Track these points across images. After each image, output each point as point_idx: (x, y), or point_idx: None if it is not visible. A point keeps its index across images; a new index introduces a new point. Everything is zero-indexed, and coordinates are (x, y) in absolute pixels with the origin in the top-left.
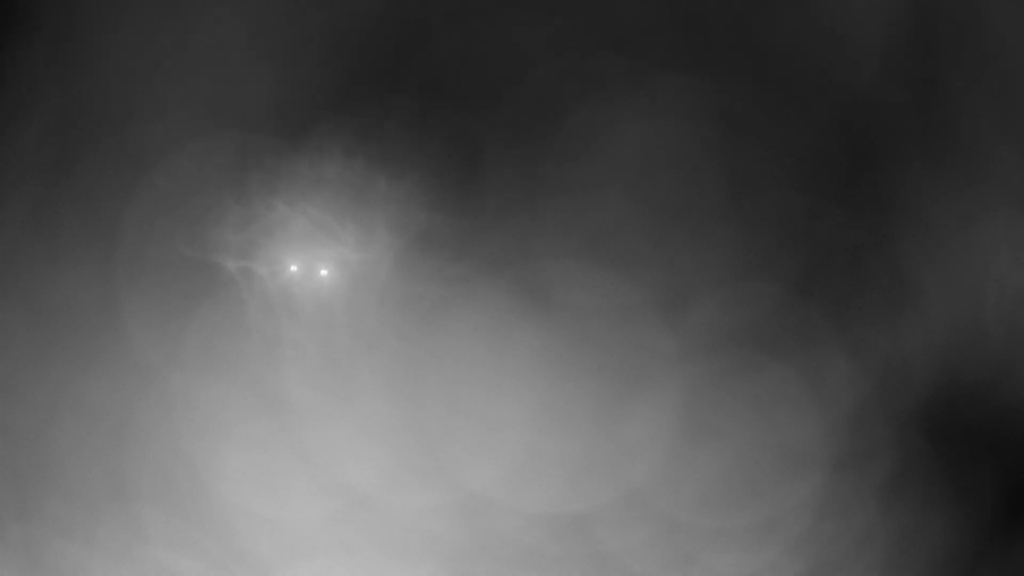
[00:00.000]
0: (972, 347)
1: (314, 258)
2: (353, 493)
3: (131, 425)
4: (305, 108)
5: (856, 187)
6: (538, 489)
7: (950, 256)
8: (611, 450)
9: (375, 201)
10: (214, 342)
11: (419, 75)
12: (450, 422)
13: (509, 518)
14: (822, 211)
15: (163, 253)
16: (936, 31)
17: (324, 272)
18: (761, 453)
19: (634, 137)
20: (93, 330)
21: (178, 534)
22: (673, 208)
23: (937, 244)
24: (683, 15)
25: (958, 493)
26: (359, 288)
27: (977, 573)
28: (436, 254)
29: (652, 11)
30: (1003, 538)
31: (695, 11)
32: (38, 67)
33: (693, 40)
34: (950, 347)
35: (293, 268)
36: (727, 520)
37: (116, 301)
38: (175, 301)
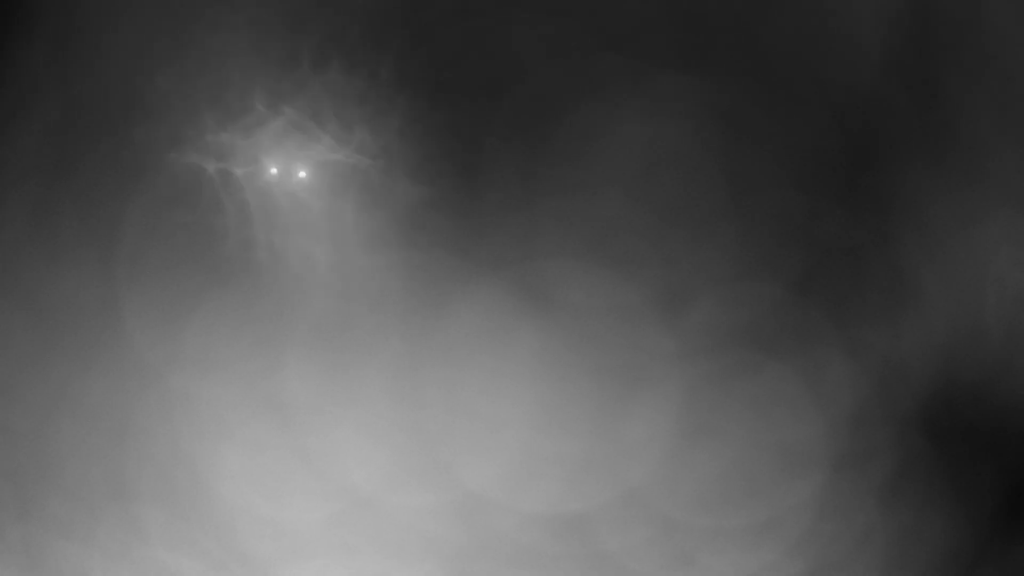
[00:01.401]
0: (972, 347)
1: (293, 159)
2: (353, 493)
3: (131, 425)
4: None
5: (856, 187)
6: (537, 489)
7: (950, 256)
8: (610, 450)
9: (353, 100)
10: (213, 337)
11: (419, 75)
12: (449, 422)
13: (508, 518)
14: (822, 211)
15: (163, 252)
16: (936, 31)
17: (303, 174)
18: (760, 453)
19: (634, 137)
20: (93, 330)
21: (178, 534)
22: (673, 208)
23: (937, 244)
24: (683, 15)
25: (958, 493)
26: (338, 189)
27: (977, 573)
28: (432, 242)
29: (652, 11)
30: (1003, 538)
31: (695, 11)
32: (38, 67)
33: (693, 40)
34: (950, 347)
35: (273, 170)
36: (726, 520)
37: (116, 301)
38: (175, 301)
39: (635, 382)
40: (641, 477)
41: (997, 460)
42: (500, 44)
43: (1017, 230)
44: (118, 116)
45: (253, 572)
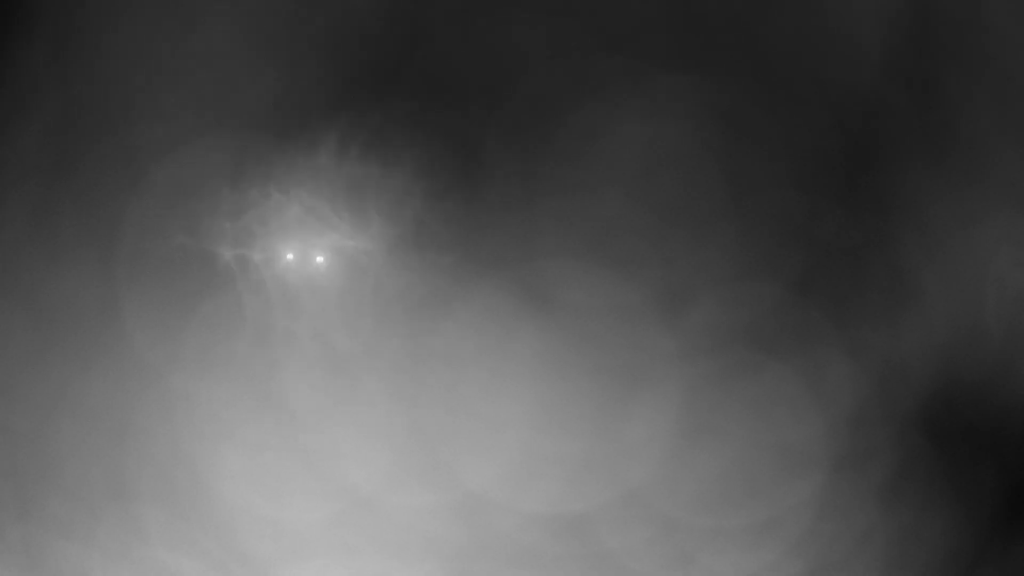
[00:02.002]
0: (972, 347)
1: (310, 246)
2: (353, 493)
3: (131, 425)
4: (304, 107)
5: (856, 187)
6: (537, 489)
7: (950, 256)
8: (610, 450)
9: (371, 188)
10: (213, 336)
11: (419, 75)
12: (449, 422)
13: (508, 518)
14: (822, 211)
15: (163, 252)
16: (936, 31)
17: (320, 259)
18: (760, 453)
19: (634, 137)
20: (93, 330)
21: (178, 534)
22: (673, 208)
23: (937, 244)
24: (683, 15)
25: (958, 493)
26: (355, 276)
27: (977, 573)
28: (432, 242)
29: (652, 11)
30: (1003, 538)
31: (695, 11)
32: (38, 67)
33: (693, 40)
34: (950, 347)
35: (289, 256)
36: (726, 520)
37: (116, 301)
38: (175, 301)
39: (635, 382)
40: (641, 477)
41: (997, 460)
42: (500, 44)
43: (1017, 230)
44: (118, 116)
45: (253, 572)
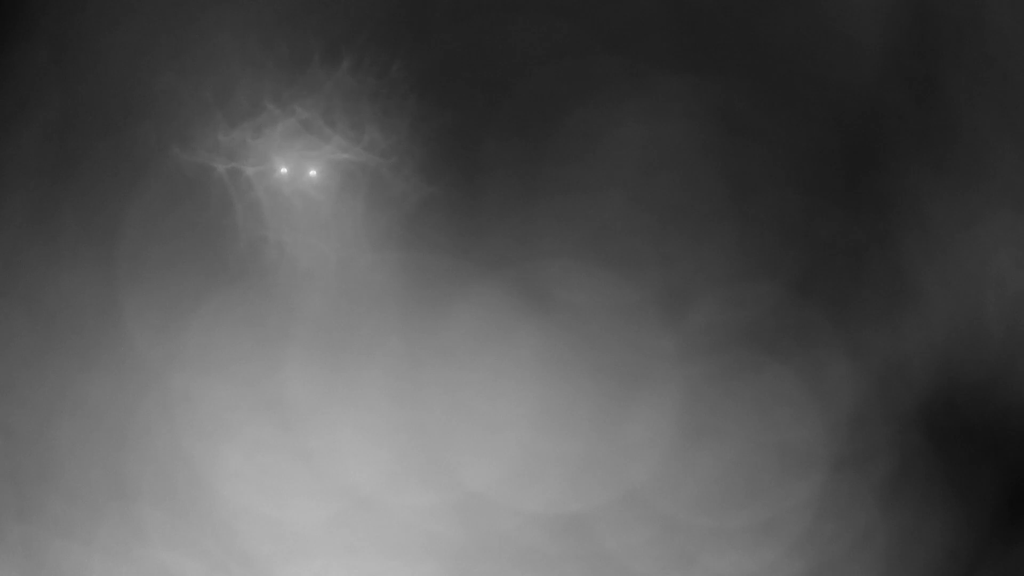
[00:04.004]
0: (972, 347)
1: (303, 158)
2: (353, 493)
3: (131, 425)
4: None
5: (856, 187)
6: (538, 489)
7: (950, 256)
8: (611, 450)
9: (365, 99)
10: (213, 336)
11: (418, 75)
12: (450, 422)
13: (509, 518)
14: (822, 211)
15: (163, 252)
16: (936, 31)
17: (313, 173)
18: (761, 453)
19: (634, 137)
20: (93, 330)
21: (178, 534)
22: (673, 208)
23: (937, 244)
24: (683, 15)
25: (958, 493)
26: (348, 188)
27: (977, 573)
28: (430, 237)
29: (652, 11)
30: (1003, 538)
31: (695, 11)
32: (38, 67)
33: (693, 40)
34: (950, 347)
35: (283, 169)
36: (727, 520)
37: (116, 301)
38: (176, 301)
39: (635, 382)
40: (642, 477)
41: (997, 460)
42: (500, 44)
43: (1017, 230)
44: (118, 116)
45: (253, 572)
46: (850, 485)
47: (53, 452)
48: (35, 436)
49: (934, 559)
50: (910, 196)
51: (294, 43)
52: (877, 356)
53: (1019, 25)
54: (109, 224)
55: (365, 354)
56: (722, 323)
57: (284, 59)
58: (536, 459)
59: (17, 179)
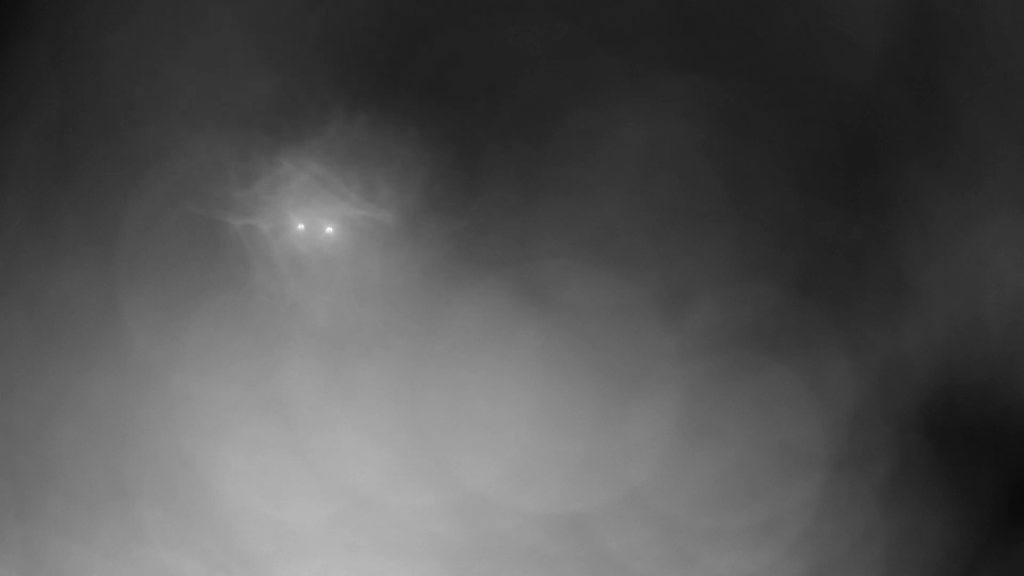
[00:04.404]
0: (972, 347)
1: (319, 215)
2: (353, 493)
3: (131, 425)
4: (303, 106)
5: (856, 187)
6: (538, 489)
7: (950, 256)
8: (611, 450)
9: (380, 157)
10: (213, 336)
11: (418, 75)
12: (450, 422)
13: (509, 518)
14: (822, 211)
15: (163, 252)
16: (936, 31)
17: (329, 229)
18: (761, 453)
19: (634, 137)
20: (94, 330)
21: (178, 534)
22: (673, 208)
23: (937, 244)
24: (683, 15)
25: (958, 493)
26: (364, 245)
27: (977, 573)
28: (441, 214)
29: (652, 11)
30: (1003, 538)
31: (695, 11)
32: (38, 67)
33: (693, 40)
34: (950, 347)
35: (300, 226)
36: (727, 520)
37: (116, 301)
38: (176, 301)
39: (635, 382)
40: (642, 477)
41: (997, 460)
42: (500, 44)
43: (1017, 230)
44: (118, 116)
45: (253, 572)
46: (850, 485)
47: (53, 452)
48: (35, 436)
49: (934, 559)
50: (910, 196)
51: (306, 97)
52: (877, 356)
53: (1019, 25)
54: (109, 224)
55: (365, 354)
56: (722, 323)
57: (298, 114)
58: (536, 459)
59: (17, 179)
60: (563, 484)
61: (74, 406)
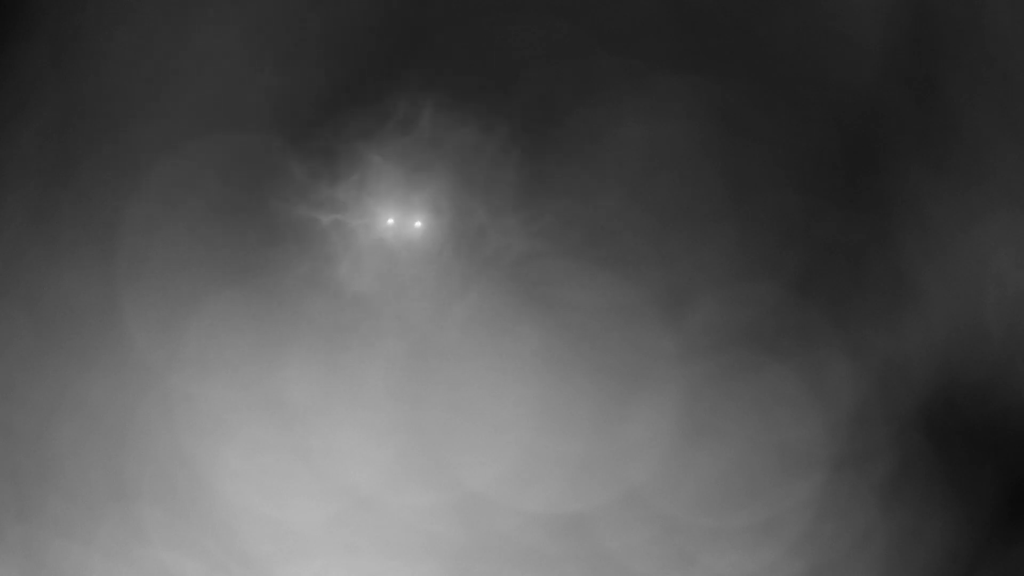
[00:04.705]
0: (972, 347)
1: (409, 210)
2: (354, 493)
3: (131, 425)
4: (303, 105)
5: (856, 187)
6: (538, 489)
7: (950, 256)
8: (611, 450)
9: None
10: (213, 336)
11: (417, 75)
12: (450, 422)
13: (509, 518)
14: (822, 211)
15: (163, 253)
16: (936, 31)
17: (418, 224)
18: (761, 453)
19: (634, 137)
20: (93, 330)
21: (178, 534)
22: (673, 208)
23: (937, 244)
24: (683, 15)
25: (958, 493)
26: (450, 243)
27: (977, 573)
28: (518, 207)
29: (652, 11)
30: (1003, 538)
31: (695, 11)
32: (38, 67)
33: (693, 40)
34: (950, 347)
35: (390, 221)
36: (727, 520)
37: (116, 301)
38: (176, 301)
39: (635, 382)
40: (642, 477)
41: (997, 460)
42: (500, 44)
43: (1017, 230)
44: (118, 116)
45: (253, 572)
46: (850, 485)
47: (53, 452)
48: (35, 436)
49: (934, 559)
50: (910, 196)
51: (390, 92)
52: (877, 356)
53: (1019, 25)
54: (109, 224)
55: (366, 354)
56: (722, 323)
57: (382, 111)
58: (536, 459)
59: (17, 179)
60: (563, 484)
61: (74, 406)
